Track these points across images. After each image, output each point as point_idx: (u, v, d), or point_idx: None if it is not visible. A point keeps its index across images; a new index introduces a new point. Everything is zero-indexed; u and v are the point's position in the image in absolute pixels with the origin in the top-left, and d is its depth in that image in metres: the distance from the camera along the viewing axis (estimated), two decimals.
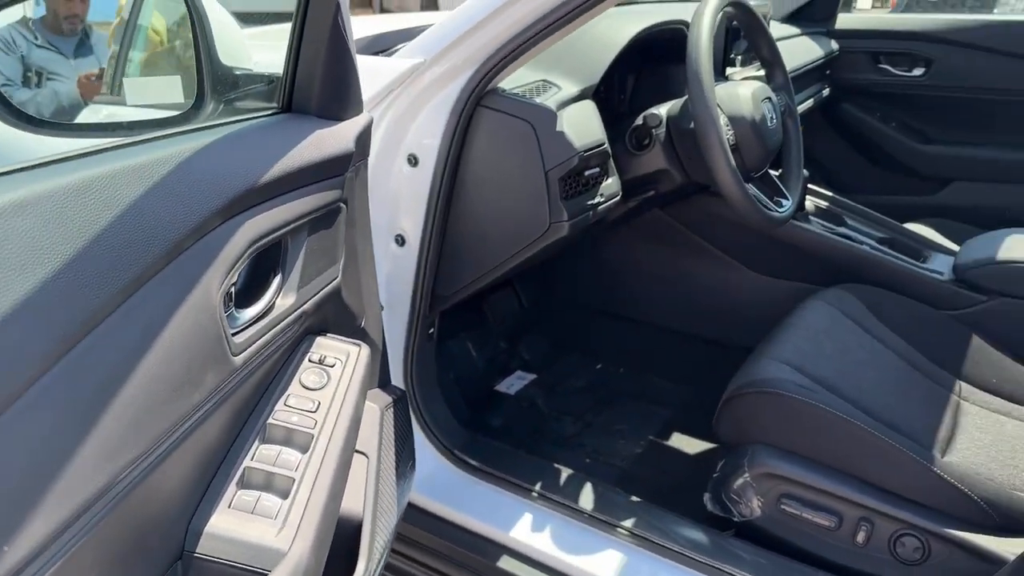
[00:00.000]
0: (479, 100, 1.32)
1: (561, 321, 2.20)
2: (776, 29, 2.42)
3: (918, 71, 2.60)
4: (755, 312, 1.88)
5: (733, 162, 1.37)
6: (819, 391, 1.36)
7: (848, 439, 1.29)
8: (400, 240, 1.43)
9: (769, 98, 1.53)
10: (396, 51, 1.39)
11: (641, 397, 1.97)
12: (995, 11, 7.33)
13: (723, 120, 1.42)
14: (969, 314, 1.73)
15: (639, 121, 1.52)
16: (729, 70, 1.85)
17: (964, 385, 1.55)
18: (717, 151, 1.35)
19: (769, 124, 1.50)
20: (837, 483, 1.29)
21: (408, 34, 1.52)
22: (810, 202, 2.02)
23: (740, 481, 1.35)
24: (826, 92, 2.57)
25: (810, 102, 2.41)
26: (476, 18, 1.24)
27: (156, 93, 0.98)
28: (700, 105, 1.34)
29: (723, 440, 1.46)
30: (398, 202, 1.40)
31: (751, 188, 1.50)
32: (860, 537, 1.28)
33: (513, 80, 1.38)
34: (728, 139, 1.42)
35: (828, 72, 2.58)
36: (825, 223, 1.93)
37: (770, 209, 1.51)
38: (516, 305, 2.13)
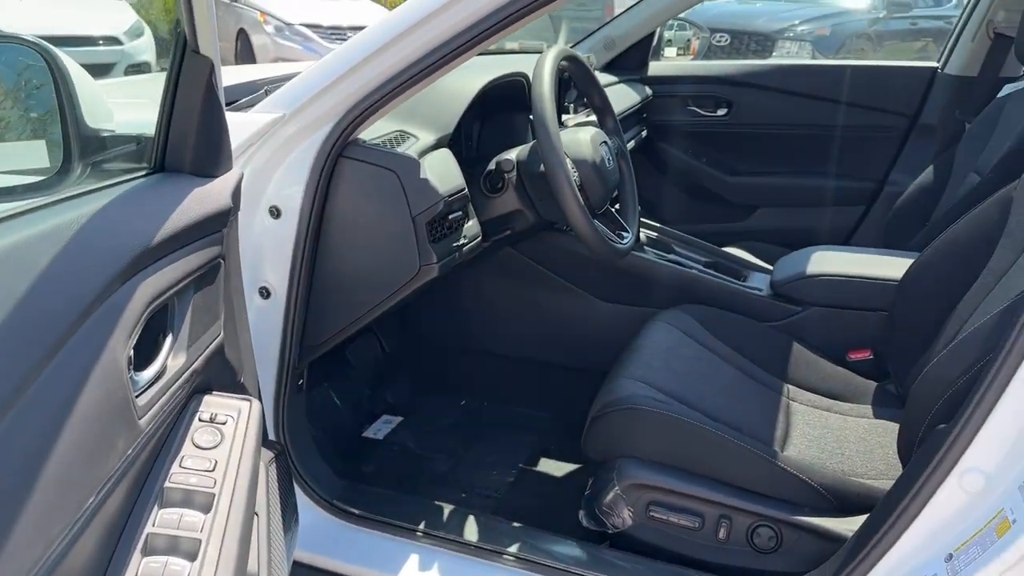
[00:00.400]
0: (341, 151, 1.36)
1: (423, 362, 2.24)
2: (599, 78, 2.62)
3: (722, 111, 2.90)
4: (605, 337, 2.01)
5: (581, 201, 1.49)
6: (672, 403, 1.49)
7: (702, 444, 1.43)
8: (264, 292, 1.42)
9: (605, 141, 1.68)
10: (240, 104, 1.41)
11: (508, 427, 2.04)
12: (774, 55, 8.25)
13: (569, 163, 1.54)
14: (788, 324, 1.95)
15: (492, 166, 1.61)
16: (564, 117, 2.00)
17: (791, 387, 1.75)
18: (567, 191, 1.46)
19: (608, 165, 1.65)
20: (697, 486, 1.42)
21: (249, 88, 1.53)
22: (643, 234, 2.20)
23: (611, 495, 1.44)
24: (644, 133, 2.80)
25: (632, 143, 2.62)
26: (337, 72, 1.29)
27: (19, 159, 0.94)
28: (549, 150, 1.45)
29: (592, 458, 1.55)
30: (261, 254, 1.40)
31: (597, 224, 1.63)
32: (721, 533, 1.41)
33: (371, 132, 1.43)
34: (575, 180, 1.55)
35: (645, 115, 2.82)
36: (658, 251, 2.12)
37: (614, 242, 1.64)
38: (378, 350, 2.15)
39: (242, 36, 8.71)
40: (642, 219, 2.24)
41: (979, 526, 1.05)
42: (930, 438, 1.21)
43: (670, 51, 5.40)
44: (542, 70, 1.50)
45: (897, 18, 9.06)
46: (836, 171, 2.81)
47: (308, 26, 8.90)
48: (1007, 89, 2.23)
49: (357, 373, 2.08)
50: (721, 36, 8.93)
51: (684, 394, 1.53)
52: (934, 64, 2.73)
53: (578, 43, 2.83)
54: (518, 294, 2.12)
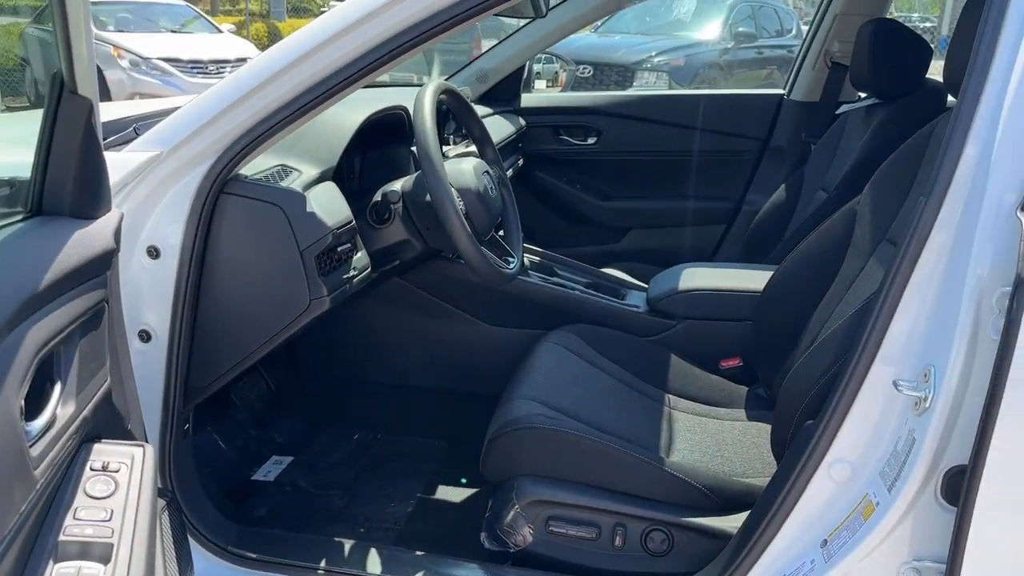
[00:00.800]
0: (222, 188, 1.34)
1: (312, 397, 2.21)
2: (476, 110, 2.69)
3: (592, 140, 3.04)
4: (496, 361, 2.06)
5: (468, 229, 1.53)
6: (564, 419, 1.55)
7: (595, 456, 1.49)
8: (144, 336, 1.38)
9: (487, 171, 1.74)
10: (110, 143, 1.36)
11: (403, 458, 2.04)
12: (635, 85, 8.64)
13: (454, 193, 1.58)
14: (664, 337, 2.06)
15: (378, 197, 1.63)
16: (445, 148, 2.05)
17: (671, 397, 1.85)
18: (454, 220, 1.50)
19: (491, 193, 1.70)
20: (592, 497, 1.48)
21: (115, 126, 1.49)
22: (527, 258, 2.27)
23: (511, 514, 1.48)
24: (521, 162, 2.89)
25: (510, 172, 2.70)
26: (216, 108, 1.28)
27: None
28: (434, 181, 1.49)
29: (490, 480, 1.58)
30: (140, 296, 1.36)
31: (484, 250, 1.68)
32: (617, 541, 1.47)
33: (253, 167, 1.42)
34: (460, 209, 1.59)
35: (520, 145, 2.91)
36: (542, 275, 2.19)
37: (501, 267, 1.69)
38: (264, 388, 2.10)
39: None
40: (525, 244, 2.31)
41: (848, 512, 1.15)
42: (799, 434, 1.32)
43: (540, 83, 5.60)
44: (422, 103, 1.54)
45: (744, 48, 9.71)
46: (699, 193, 3.00)
47: (166, 60, 8.59)
48: (844, 109, 2.46)
49: (242, 414, 2.03)
50: (585, 68, 9.29)
51: (575, 410, 1.59)
52: (780, 91, 2.97)
53: (452, 76, 2.89)
54: (407, 323, 2.14)
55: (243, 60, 9.23)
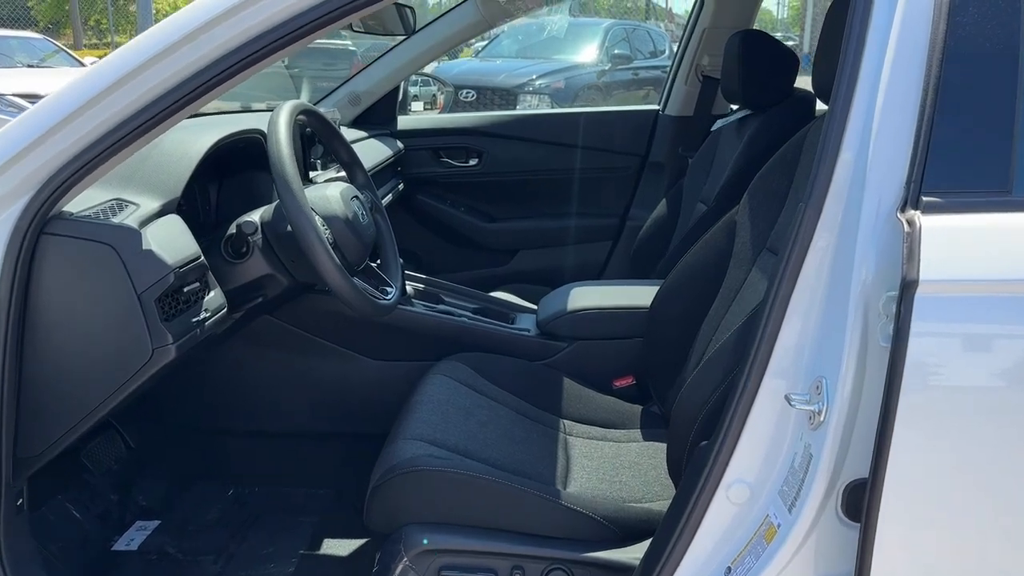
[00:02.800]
0: (42, 228, 1.17)
1: (178, 453, 2.01)
2: (347, 134, 2.57)
3: (473, 161, 2.97)
4: (382, 397, 1.93)
5: (336, 260, 1.41)
6: (454, 458, 1.44)
7: (488, 496, 1.39)
8: None
9: (357, 196, 1.62)
10: None
11: (284, 511, 1.88)
12: (518, 107, 8.70)
13: (319, 221, 1.46)
14: (556, 360, 1.99)
15: (233, 230, 1.48)
16: (312, 174, 1.92)
17: (566, 422, 1.77)
18: (320, 251, 1.37)
19: (362, 220, 1.58)
20: (486, 540, 1.37)
21: None
22: (410, 286, 2.16)
23: (400, 567, 1.35)
24: (401, 186, 2.79)
25: (389, 197, 2.59)
26: (28, 137, 1.11)
27: None
28: (294, 209, 1.36)
29: (376, 531, 1.45)
30: None
31: (358, 281, 1.56)
32: None
33: (80, 202, 1.26)
34: (327, 238, 1.46)
35: (399, 169, 2.81)
36: (427, 303, 2.08)
37: (378, 298, 1.58)
38: (121, 447, 1.89)
39: None
40: (408, 272, 2.20)
41: (750, 535, 1.09)
42: (695, 456, 1.26)
43: (417, 105, 5.50)
44: (276, 125, 1.41)
45: (621, 70, 10.01)
46: (583, 211, 2.97)
47: (23, 96, 8.02)
48: (719, 124, 2.49)
49: (98, 478, 1.81)
50: (468, 92, 9.32)
51: (466, 446, 1.49)
52: (656, 107, 2.99)
53: (322, 99, 2.76)
54: (282, 363, 1.98)
55: None
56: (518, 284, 2.72)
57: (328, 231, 1.48)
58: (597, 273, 2.98)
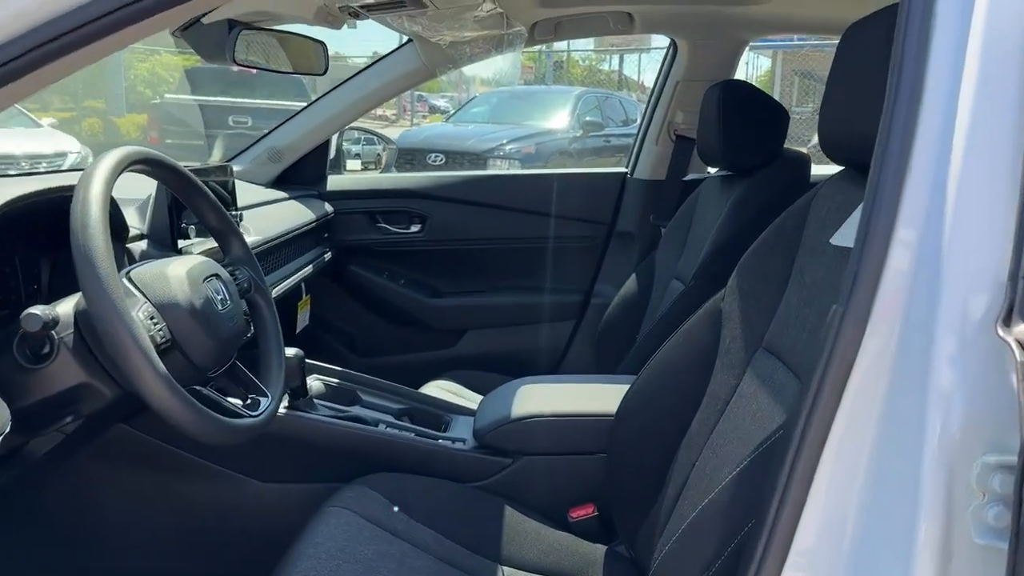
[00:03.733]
0: None
1: None
2: (258, 193, 2.19)
3: (415, 227, 2.59)
4: (272, 528, 1.49)
5: (161, 366, 0.99)
6: None
7: None
8: None
9: (217, 275, 1.21)
10: None
11: None
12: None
13: (145, 311, 1.05)
14: (496, 482, 1.57)
15: (31, 325, 1.06)
16: (183, 243, 1.51)
17: (506, 570, 1.35)
18: (134, 353, 0.96)
19: (219, 307, 1.17)
20: None
21: None
22: (317, 381, 1.74)
23: None
24: (328, 255, 2.39)
25: (310, 268, 2.19)
26: None
27: None
28: (97, 295, 0.95)
29: None
30: None
31: (211, 392, 1.14)
32: None
33: None
34: (158, 335, 1.05)
35: (326, 235, 2.42)
36: (335, 406, 1.66)
37: (238, 416, 1.15)
38: None
39: None
40: (315, 362, 1.78)
41: None
42: None
43: (354, 164, 5.13)
44: (89, 179, 1.01)
45: (592, 136, 9.88)
46: (542, 286, 2.58)
47: None
48: (694, 180, 2.13)
49: None
50: (436, 156, 9.10)
51: None
52: (623, 170, 2.64)
53: (235, 156, 2.38)
54: (141, 487, 1.54)
55: (62, 154, 8.41)
56: (465, 371, 2.31)
57: (160, 325, 1.06)
58: (557, 359, 2.58)
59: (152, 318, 1.06)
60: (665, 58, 2.43)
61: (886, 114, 0.71)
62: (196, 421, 1.03)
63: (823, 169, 2.07)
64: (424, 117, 19.19)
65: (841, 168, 1.27)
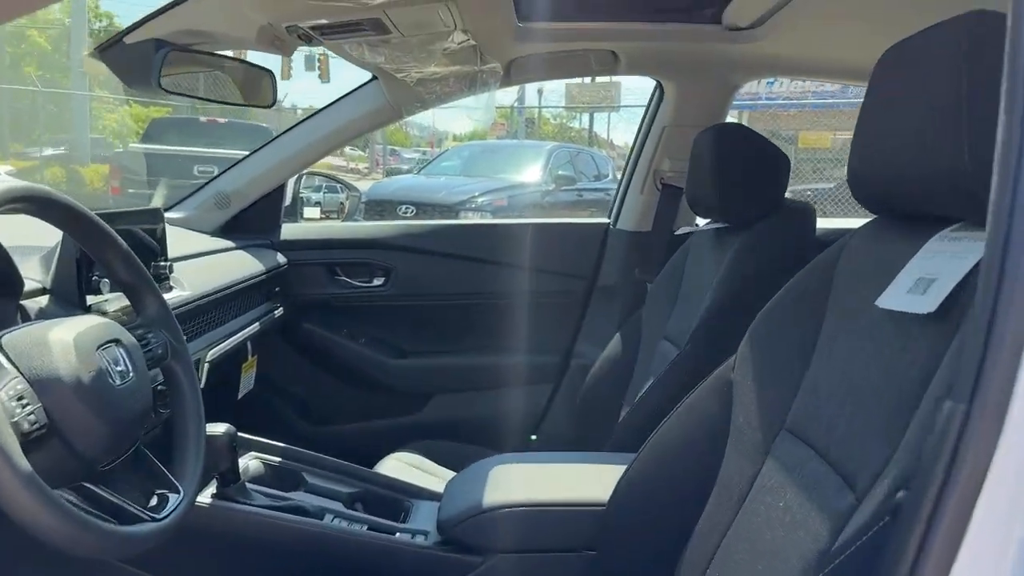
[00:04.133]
0: None
1: None
2: (200, 242, 1.95)
3: (379, 280, 2.36)
4: None
5: (23, 461, 0.75)
6: None
7: None
8: None
9: (117, 341, 0.97)
10: None
11: None
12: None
13: (11, 389, 0.81)
14: None
15: None
16: (93, 299, 1.27)
17: None
18: None
19: (117, 381, 0.93)
20: None
21: None
22: (255, 461, 1.49)
23: None
24: (280, 312, 2.15)
25: (256, 326, 1.95)
26: None
27: None
28: None
29: None
30: None
31: (101, 490, 0.89)
32: None
33: None
34: (26, 420, 0.81)
35: (278, 289, 2.18)
36: (274, 492, 1.40)
37: (135, 517, 0.90)
38: None
39: None
40: (252, 437, 1.53)
41: None
42: None
43: (312, 212, 4.91)
44: None
45: (565, 191, 9.82)
46: (517, 345, 2.36)
47: None
48: (682, 230, 1.94)
49: None
50: (407, 208, 8.94)
51: None
52: (605, 220, 2.45)
53: (179, 202, 2.15)
54: None
55: None
56: (431, 440, 2.07)
57: (32, 407, 0.82)
58: (533, 426, 2.34)
59: (21, 398, 0.81)
60: (650, 101, 2.26)
61: (1008, 144, 0.51)
62: (69, 531, 0.78)
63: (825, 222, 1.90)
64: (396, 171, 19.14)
65: (873, 217, 1.08)
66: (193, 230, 2.11)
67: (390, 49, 1.58)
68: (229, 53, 1.51)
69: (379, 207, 8.88)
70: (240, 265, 1.94)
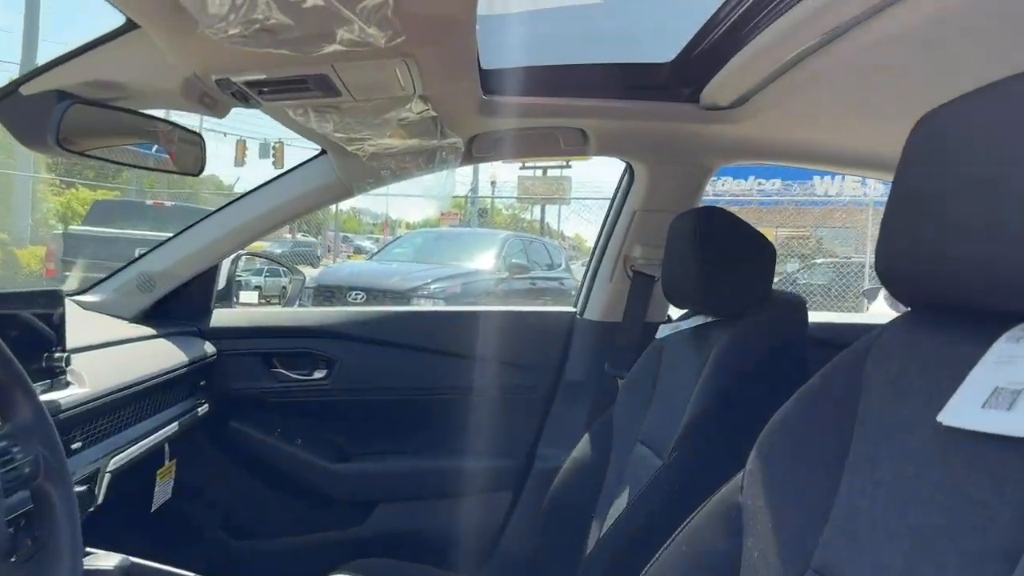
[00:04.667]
0: None
1: None
2: (115, 330, 1.72)
3: (319, 373, 2.12)
4: None
5: None
6: None
7: None
8: None
9: None
10: None
11: None
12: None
13: None
14: None
15: None
16: None
17: None
18: None
19: None
20: None
21: None
22: None
23: None
24: (204, 408, 1.89)
25: (175, 427, 1.70)
26: None
27: None
28: None
29: None
30: None
31: None
32: None
33: None
34: None
35: (204, 382, 1.93)
36: None
37: None
38: None
39: None
40: (156, 566, 1.27)
41: None
42: None
43: (250, 296, 4.65)
44: None
45: (519, 279, 9.74)
46: (473, 447, 2.12)
47: None
48: (663, 331, 1.76)
49: None
50: (357, 294, 8.72)
51: None
52: (571, 309, 2.27)
53: (100, 283, 1.91)
54: None
55: None
56: (376, 558, 1.80)
57: None
58: (492, 540, 2.09)
59: None
60: (620, 184, 2.12)
61: None
62: None
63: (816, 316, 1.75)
64: (348, 257, 18.96)
65: (906, 311, 0.92)
66: (111, 315, 1.87)
67: (340, 116, 1.41)
68: (156, 113, 1.32)
69: (328, 293, 8.65)
70: (159, 356, 1.70)
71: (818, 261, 12.74)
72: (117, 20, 1.02)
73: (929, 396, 0.78)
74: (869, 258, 10.94)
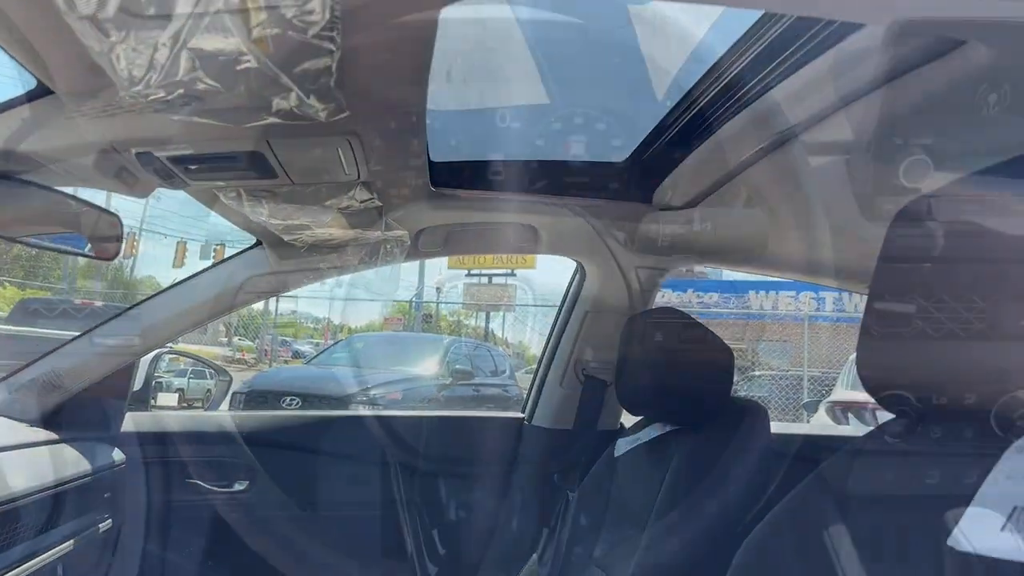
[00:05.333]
0: None
1: None
2: (13, 433, 1.52)
3: (240, 485, 1.93)
4: None
5: None
6: None
7: None
8: None
9: None
10: None
11: None
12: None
13: None
14: None
15: None
16: None
17: None
18: None
19: None
20: None
21: None
22: None
23: None
24: (107, 525, 1.68)
25: (69, 545, 1.49)
26: None
27: None
28: None
29: None
30: None
31: None
32: None
33: None
34: None
35: (109, 495, 1.72)
36: None
37: None
38: None
39: None
40: None
41: None
42: None
43: (169, 398, 4.37)
44: None
45: (462, 385, 9.51)
46: (415, 567, 1.93)
47: None
48: (621, 447, 1.65)
49: None
50: (292, 400, 8.37)
51: None
52: (519, 415, 2.14)
53: (2, 380, 1.72)
54: None
55: None
56: None
57: None
58: None
59: None
60: (570, 285, 2.05)
61: None
62: None
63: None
64: (286, 362, 18.41)
65: (890, 418, 0.84)
66: (10, 417, 1.67)
67: (276, 201, 1.31)
68: (70, 190, 1.20)
69: (260, 399, 8.27)
70: (57, 464, 1.51)
71: (756, 373, 12.88)
72: (28, 83, 0.92)
73: (926, 515, 0.68)
74: (807, 371, 11.10)
